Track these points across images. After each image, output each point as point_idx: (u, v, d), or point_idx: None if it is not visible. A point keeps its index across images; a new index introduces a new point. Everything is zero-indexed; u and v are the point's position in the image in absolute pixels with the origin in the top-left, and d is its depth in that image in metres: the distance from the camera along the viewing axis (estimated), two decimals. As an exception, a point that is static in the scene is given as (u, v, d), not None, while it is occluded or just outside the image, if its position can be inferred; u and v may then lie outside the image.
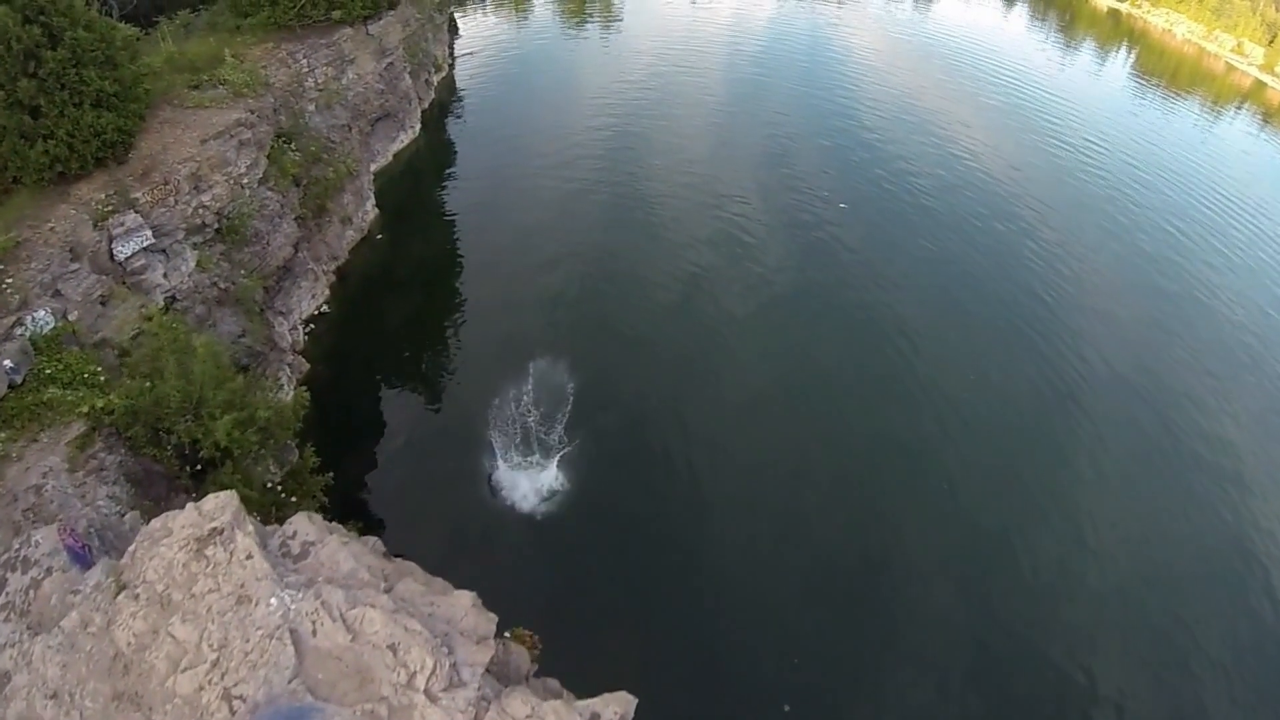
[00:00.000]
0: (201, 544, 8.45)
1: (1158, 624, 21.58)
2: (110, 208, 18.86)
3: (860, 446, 25.24)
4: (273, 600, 7.72)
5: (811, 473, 24.06)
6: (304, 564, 8.08)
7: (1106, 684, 19.67)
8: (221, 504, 8.63)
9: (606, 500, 22.01)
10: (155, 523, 9.32)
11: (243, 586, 7.97)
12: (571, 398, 24.24)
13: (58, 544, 11.25)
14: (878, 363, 28.77)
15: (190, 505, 8.86)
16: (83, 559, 11.02)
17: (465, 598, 7.45)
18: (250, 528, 8.37)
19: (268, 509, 16.80)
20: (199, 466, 15.39)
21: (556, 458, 22.55)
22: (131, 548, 9.34)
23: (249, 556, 8.03)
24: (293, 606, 7.64)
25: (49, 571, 10.97)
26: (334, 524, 9.43)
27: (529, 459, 22.61)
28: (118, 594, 9.13)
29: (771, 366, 28.13)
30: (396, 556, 16.66)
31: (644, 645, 18.63)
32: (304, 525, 8.35)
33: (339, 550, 7.85)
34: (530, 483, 21.82)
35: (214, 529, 8.44)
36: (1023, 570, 22.08)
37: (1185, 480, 26.19)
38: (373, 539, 9.40)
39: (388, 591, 7.54)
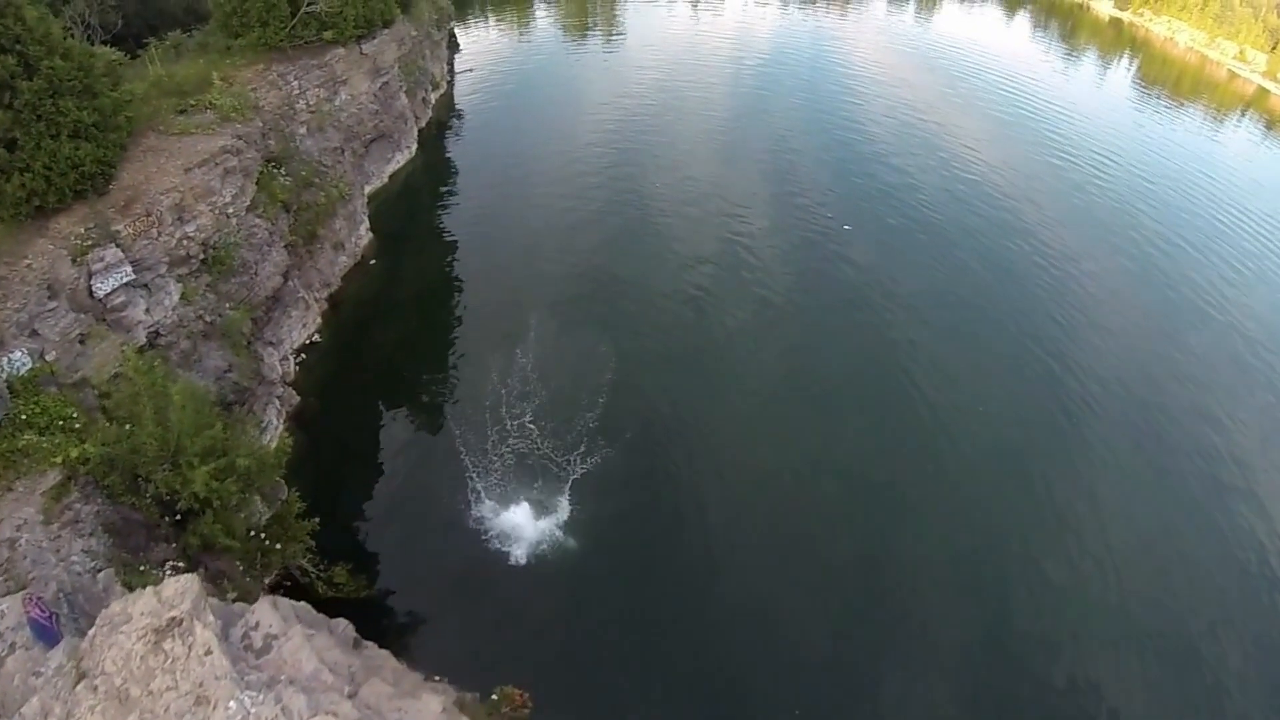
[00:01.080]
0: (160, 635, 7.91)
1: (1169, 642, 21.06)
2: (90, 242, 18.18)
3: (871, 474, 24.57)
4: (232, 703, 7.17)
5: (822, 501, 23.45)
6: (266, 659, 7.54)
7: (1121, 706, 19.21)
8: (181, 590, 8.10)
9: (608, 537, 21.28)
10: (115, 606, 8.79)
11: (201, 686, 7.41)
12: (574, 427, 23.72)
13: (23, 616, 10.79)
14: (886, 387, 28.17)
15: (149, 590, 8.33)
16: (48, 633, 10.50)
17: (435, 702, 6.90)
18: (211, 617, 7.83)
19: (252, 556, 16.25)
20: (179, 515, 14.85)
21: (561, 495, 21.85)
22: (91, 632, 8.83)
23: (208, 652, 7.49)
24: (253, 710, 7.10)
25: (12, 648, 10.48)
26: (302, 604, 8.90)
27: (529, 492, 21.89)
28: (77, 683, 8.61)
29: (777, 391, 27.53)
30: (381, 620, 16.16)
31: (644, 689, 18.03)
32: (267, 615, 7.82)
33: (302, 647, 7.32)
34: (529, 521, 21.08)
35: (173, 619, 7.90)
36: (1036, 593, 21.56)
37: (1198, 499, 25.59)
38: (342, 623, 8.84)
39: (352, 696, 6.99)
